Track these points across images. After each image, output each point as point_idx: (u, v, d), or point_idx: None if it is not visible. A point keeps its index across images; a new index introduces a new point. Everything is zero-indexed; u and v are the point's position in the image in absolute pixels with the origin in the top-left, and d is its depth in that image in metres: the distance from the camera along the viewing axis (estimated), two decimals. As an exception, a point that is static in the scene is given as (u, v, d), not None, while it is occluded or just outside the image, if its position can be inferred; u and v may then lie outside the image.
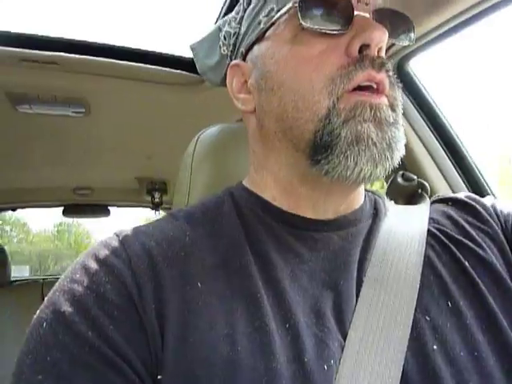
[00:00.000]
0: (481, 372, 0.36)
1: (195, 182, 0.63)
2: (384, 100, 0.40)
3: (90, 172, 1.97)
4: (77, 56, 0.99)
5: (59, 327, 0.34)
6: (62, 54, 0.98)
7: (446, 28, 0.71)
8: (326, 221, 0.44)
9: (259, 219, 0.44)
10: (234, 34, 0.49)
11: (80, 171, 1.96)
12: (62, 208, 2.38)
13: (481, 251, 0.44)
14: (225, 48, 0.51)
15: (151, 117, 1.33)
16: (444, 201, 0.53)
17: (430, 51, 0.80)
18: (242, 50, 0.48)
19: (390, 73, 0.42)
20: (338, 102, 0.39)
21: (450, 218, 0.48)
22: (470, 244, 0.44)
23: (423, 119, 0.82)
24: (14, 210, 2.50)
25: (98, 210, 2.40)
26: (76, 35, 1.00)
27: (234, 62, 0.49)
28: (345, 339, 0.37)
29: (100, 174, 2.00)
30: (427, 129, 0.82)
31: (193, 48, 0.57)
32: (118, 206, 2.47)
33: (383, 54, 0.42)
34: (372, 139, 0.38)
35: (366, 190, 0.51)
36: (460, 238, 0.45)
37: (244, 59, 0.48)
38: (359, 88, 0.40)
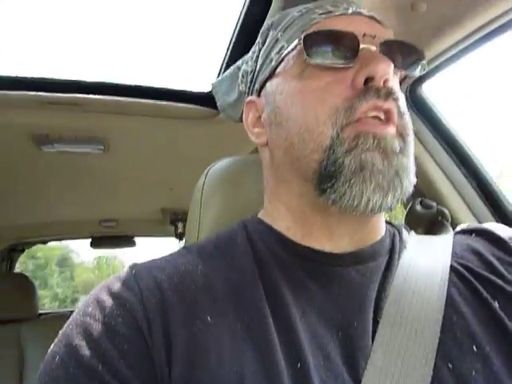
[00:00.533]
0: None
1: (205, 217, 0.63)
2: (390, 129, 0.39)
3: (114, 205, 2.02)
4: (95, 97, 1.02)
5: (70, 361, 0.34)
6: (81, 95, 1.02)
7: (455, 50, 0.69)
8: (343, 254, 0.42)
9: (272, 253, 0.43)
10: (251, 72, 0.51)
11: (105, 204, 2.01)
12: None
13: (511, 288, 0.40)
14: (243, 85, 0.54)
15: (170, 150, 1.35)
16: (468, 232, 0.50)
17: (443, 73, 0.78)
18: (257, 86, 0.50)
19: (399, 102, 0.41)
20: (342, 131, 0.39)
21: (474, 252, 0.45)
22: (498, 281, 0.41)
23: (440, 144, 0.79)
24: (44, 243, 2.58)
25: (124, 241, 2.45)
26: (94, 76, 1.04)
27: (249, 98, 0.51)
28: None
29: (124, 207, 2.05)
30: (445, 154, 0.79)
31: (214, 86, 0.60)
32: (143, 237, 2.50)
33: (390, 84, 0.41)
34: (377, 167, 0.37)
35: (386, 223, 0.48)
36: (487, 274, 0.42)
37: (259, 95, 0.50)
38: (365, 119, 0.39)
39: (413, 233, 0.52)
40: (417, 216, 0.74)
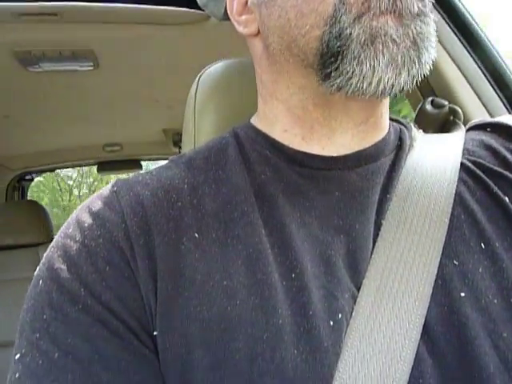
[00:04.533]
0: None
1: (200, 126, 0.59)
2: None
3: (116, 128, 1.98)
4: (73, 3, 0.93)
5: (53, 285, 0.33)
6: (59, 3, 0.93)
7: None
8: (342, 156, 0.39)
9: (266, 160, 0.39)
10: None
11: (106, 127, 1.97)
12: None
13: None
14: None
15: (163, 61, 1.26)
16: (482, 127, 0.45)
17: None
18: None
19: None
20: None
21: (487, 147, 0.41)
22: (510, 176, 0.38)
23: (456, 35, 0.71)
24: (52, 170, 2.60)
25: (130, 164, 2.44)
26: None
27: None
28: (359, 290, 0.33)
29: (126, 129, 2.01)
30: (460, 46, 0.71)
31: None
32: (149, 160, 2.50)
33: None
34: (391, 35, 0.32)
35: (391, 119, 0.44)
36: (500, 170, 0.39)
37: None
38: None
39: (421, 131, 0.47)
40: (427, 116, 0.70)
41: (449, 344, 0.31)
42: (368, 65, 0.32)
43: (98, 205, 0.36)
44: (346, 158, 0.39)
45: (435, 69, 0.76)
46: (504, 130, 0.43)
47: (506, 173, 0.38)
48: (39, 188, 8.35)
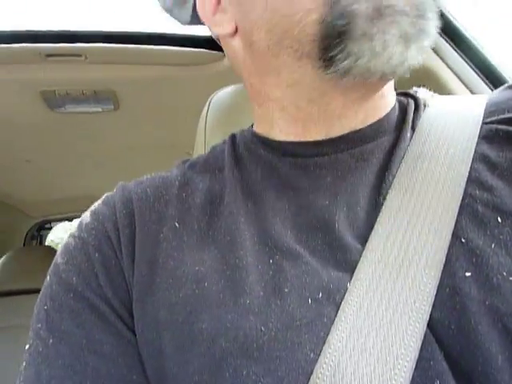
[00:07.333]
0: None
1: (210, 145, 0.60)
2: None
3: (137, 175, 1.99)
4: (98, 45, 0.99)
5: (53, 278, 0.36)
6: (85, 45, 0.99)
7: None
8: (335, 138, 0.37)
9: (259, 159, 0.40)
10: None
11: (127, 175, 1.98)
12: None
13: None
14: None
15: (184, 102, 1.29)
16: None
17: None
18: None
19: None
20: None
21: None
22: None
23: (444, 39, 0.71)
24: (70, 219, 2.61)
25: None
26: (95, 26, 1.01)
27: None
28: (353, 270, 0.30)
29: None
30: (450, 48, 0.72)
31: None
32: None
33: None
34: (398, 6, 0.29)
35: (399, 95, 0.41)
36: None
37: None
38: None
39: (437, 95, 0.43)
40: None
41: (449, 331, 0.27)
42: (378, 39, 0.29)
43: (98, 203, 0.40)
44: (339, 140, 0.37)
45: (428, 71, 0.76)
46: None
47: None
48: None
